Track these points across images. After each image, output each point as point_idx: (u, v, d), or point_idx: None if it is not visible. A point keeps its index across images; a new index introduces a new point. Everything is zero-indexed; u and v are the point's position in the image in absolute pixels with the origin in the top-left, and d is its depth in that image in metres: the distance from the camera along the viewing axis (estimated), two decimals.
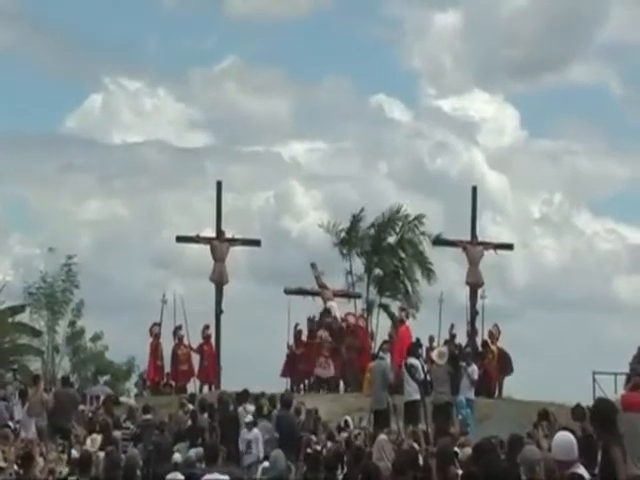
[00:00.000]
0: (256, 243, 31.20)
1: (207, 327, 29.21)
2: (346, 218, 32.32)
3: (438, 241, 32.47)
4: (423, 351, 24.10)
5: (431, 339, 27.59)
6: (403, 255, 34.02)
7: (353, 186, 48.98)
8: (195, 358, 29.20)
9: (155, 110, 60.54)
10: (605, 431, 9.24)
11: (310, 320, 29.16)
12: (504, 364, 28.28)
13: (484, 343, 28.54)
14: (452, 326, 28.27)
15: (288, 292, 30.62)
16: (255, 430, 18.69)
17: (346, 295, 32.67)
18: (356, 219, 32.74)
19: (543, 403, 25.50)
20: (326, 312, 29.37)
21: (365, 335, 29.48)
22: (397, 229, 34.16)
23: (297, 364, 28.78)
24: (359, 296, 33.39)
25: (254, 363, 29.41)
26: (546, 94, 61.34)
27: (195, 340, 29.29)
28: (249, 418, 19.11)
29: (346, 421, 19.71)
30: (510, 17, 58.13)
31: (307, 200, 52.64)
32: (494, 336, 28.49)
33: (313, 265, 31.43)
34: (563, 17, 54.88)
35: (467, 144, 55.98)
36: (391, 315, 33.30)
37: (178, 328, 29.01)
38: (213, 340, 29.31)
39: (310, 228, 31.94)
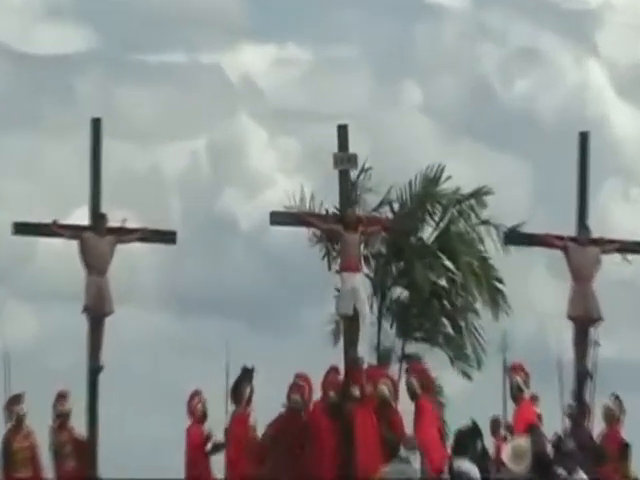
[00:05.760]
0: (169, 237, 20.92)
1: (62, 396, 20.71)
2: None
3: (513, 236, 22.47)
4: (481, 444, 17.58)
5: (495, 422, 20.54)
6: (450, 264, 24.56)
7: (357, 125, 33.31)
8: (44, 452, 20.43)
9: None
10: None
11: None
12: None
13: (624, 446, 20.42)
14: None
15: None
16: None
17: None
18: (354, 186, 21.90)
19: None
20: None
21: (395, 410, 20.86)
22: (436, 213, 24.37)
23: None
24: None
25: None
26: None
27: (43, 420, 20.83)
28: None
29: None
30: None
31: (269, 155, 35.53)
32: (613, 418, 20.58)
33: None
34: None
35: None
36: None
37: (13, 400, 20.67)
38: (83, 422, 20.61)
39: (276, 207, 20.21)
